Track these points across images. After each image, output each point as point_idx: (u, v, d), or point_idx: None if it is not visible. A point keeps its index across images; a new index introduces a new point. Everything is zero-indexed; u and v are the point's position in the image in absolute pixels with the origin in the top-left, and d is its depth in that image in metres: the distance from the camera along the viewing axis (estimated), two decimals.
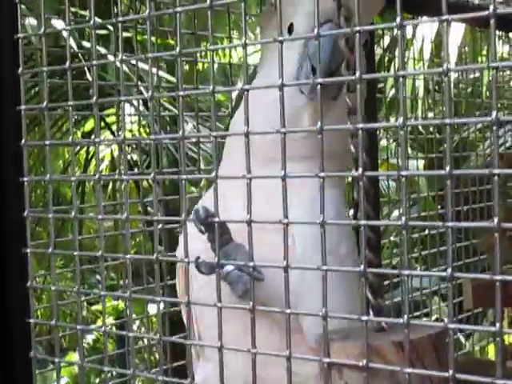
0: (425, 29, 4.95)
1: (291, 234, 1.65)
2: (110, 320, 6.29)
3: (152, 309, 3.31)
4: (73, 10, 3.88)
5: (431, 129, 4.42)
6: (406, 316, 1.09)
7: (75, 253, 1.57)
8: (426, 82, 4.73)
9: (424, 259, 4.25)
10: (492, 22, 1.02)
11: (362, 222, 1.13)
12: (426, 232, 3.95)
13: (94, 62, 1.41)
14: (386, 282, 3.03)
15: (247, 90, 1.22)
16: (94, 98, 1.40)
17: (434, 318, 4.22)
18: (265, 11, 1.95)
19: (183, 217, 1.31)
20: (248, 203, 1.21)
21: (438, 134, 4.42)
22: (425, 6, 3.21)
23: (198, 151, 2.77)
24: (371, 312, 1.29)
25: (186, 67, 4.12)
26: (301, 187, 1.59)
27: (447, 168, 1.04)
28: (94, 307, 7.17)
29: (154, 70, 2.76)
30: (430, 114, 5.39)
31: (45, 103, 1.52)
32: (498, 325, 1.02)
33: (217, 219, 1.30)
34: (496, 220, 1.02)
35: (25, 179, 1.61)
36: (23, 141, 1.59)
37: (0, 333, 2.03)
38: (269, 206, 1.35)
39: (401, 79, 1.09)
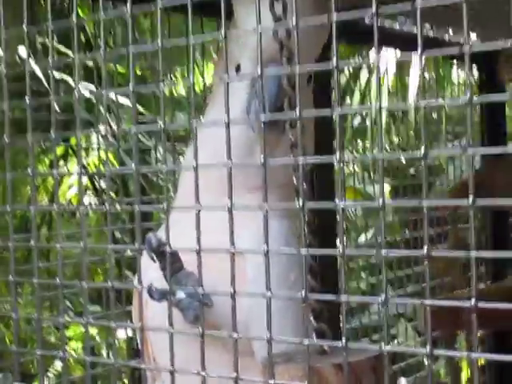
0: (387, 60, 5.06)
1: (244, 262, 1.72)
2: (78, 345, 6.28)
3: (120, 334, 3.35)
4: (41, 39, 3.94)
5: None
6: (343, 339, 1.15)
7: (35, 280, 1.61)
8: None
9: (391, 282, 4.32)
10: (421, 60, 1.10)
11: (303, 250, 1.20)
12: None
13: (53, 98, 1.47)
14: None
15: (196, 127, 1.28)
16: (53, 133, 1.45)
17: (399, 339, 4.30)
18: (219, 52, 2.00)
19: (136, 246, 1.36)
20: (197, 233, 1.27)
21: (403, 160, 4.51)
22: (385, 38, 3.30)
23: (157, 180, 2.82)
24: (314, 335, 1.35)
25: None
26: (254, 217, 1.65)
27: (380, 200, 1.11)
28: None
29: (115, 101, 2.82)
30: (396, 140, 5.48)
31: (5, 136, 1.57)
32: (428, 347, 1.09)
33: (168, 248, 1.36)
34: (426, 248, 1.09)
35: None
36: None
37: None
38: (224, 235, 1.41)
39: (337, 116, 1.16)
